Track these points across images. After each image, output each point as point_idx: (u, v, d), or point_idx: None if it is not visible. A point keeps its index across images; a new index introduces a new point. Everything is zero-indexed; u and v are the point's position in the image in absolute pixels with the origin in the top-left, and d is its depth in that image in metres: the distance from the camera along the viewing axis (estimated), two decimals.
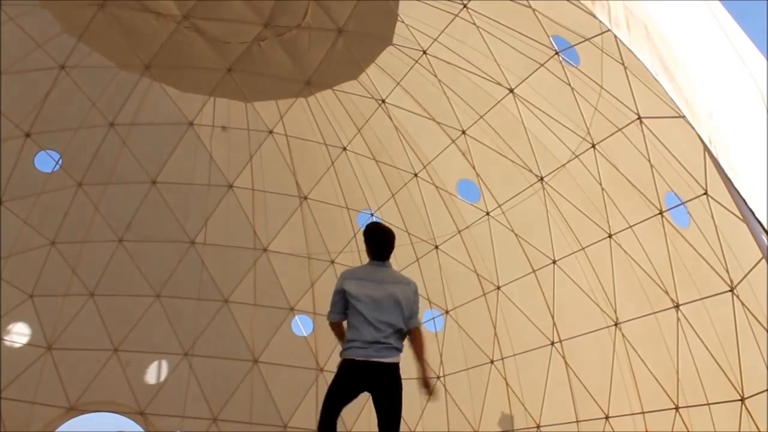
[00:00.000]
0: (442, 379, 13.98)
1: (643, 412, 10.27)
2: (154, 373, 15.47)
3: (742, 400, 8.53)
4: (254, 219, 15.31)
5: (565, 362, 11.71)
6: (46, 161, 13.97)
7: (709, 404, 9.09)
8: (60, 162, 14.09)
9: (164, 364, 15.49)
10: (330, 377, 15.99)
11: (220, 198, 15.06)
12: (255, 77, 13.25)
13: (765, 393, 8.08)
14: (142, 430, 15.45)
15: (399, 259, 14.53)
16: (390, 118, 13.27)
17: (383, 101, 13.11)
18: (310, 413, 14.74)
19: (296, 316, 15.75)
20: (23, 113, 12.91)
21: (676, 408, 9.66)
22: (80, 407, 14.82)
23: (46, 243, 14.36)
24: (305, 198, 14.97)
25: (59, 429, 14.87)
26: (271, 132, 14.38)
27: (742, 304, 8.37)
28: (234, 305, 15.41)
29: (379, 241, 5.46)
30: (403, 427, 14.28)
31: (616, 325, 10.78)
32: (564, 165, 11.15)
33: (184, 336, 15.23)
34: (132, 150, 14.16)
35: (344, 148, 14.19)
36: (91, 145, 13.89)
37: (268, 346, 15.34)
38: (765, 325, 7.97)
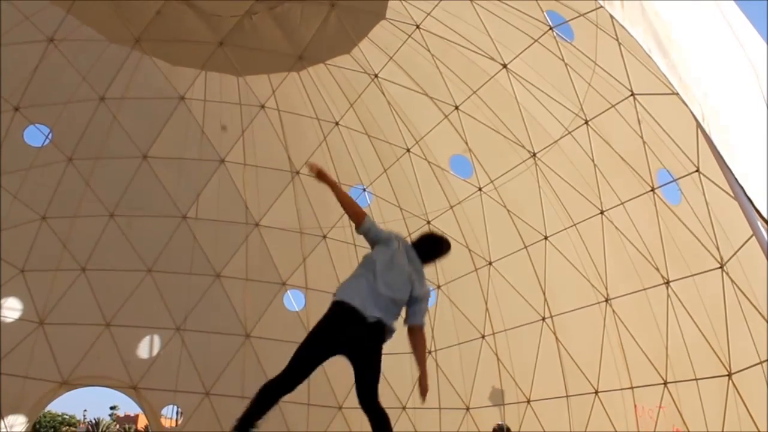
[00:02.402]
0: (433, 353, 14.08)
1: (632, 387, 10.38)
2: (146, 347, 15.52)
3: (729, 375, 8.63)
4: (246, 194, 15.29)
5: (556, 337, 11.81)
6: (35, 135, 13.90)
7: (696, 379, 9.20)
8: (50, 136, 13.99)
9: (156, 339, 15.55)
10: None
11: (212, 173, 15.02)
12: (247, 51, 13.14)
13: (752, 368, 8.16)
14: (134, 404, 15.56)
15: None
16: (383, 93, 13.20)
17: (376, 76, 13.03)
18: (302, 387, 14.81)
19: (288, 291, 15.80)
20: (11, 87, 12.77)
21: (665, 383, 9.77)
22: (73, 382, 14.88)
23: (36, 218, 14.32)
24: (297, 173, 14.94)
25: (52, 403, 14.95)
26: (263, 106, 14.30)
27: (732, 281, 8.43)
28: (226, 280, 15.44)
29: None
30: (394, 402, 14.56)
31: (606, 301, 10.85)
32: (557, 141, 11.14)
33: (176, 311, 15.26)
34: (123, 124, 14.08)
35: (337, 123, 14.14)
36: (81, 120, 13.79)
37: (260, 320, 15.42)
38: (753, 302, 8.04)
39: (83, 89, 13.39)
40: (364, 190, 14.90)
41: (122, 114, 13.95)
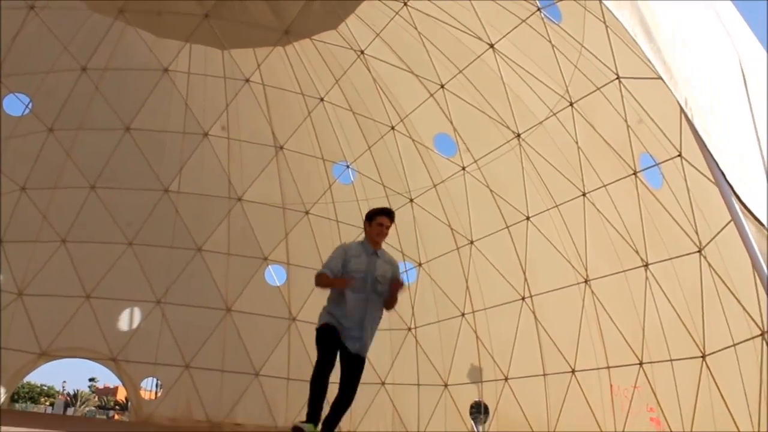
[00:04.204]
0: (413, 330, 14.20)
1: (608, 367, 10.54)
2: (126, 320, 15.50)
3: (703, 357, 8.78)
4: (229, 168, 15.22)
5: (535, 317, 11.93)
6: (15, 104, 13.69)
7: (671, 360, 9.35)
8: (30, 106, 13.81)
9: (136, 312, 15.52)
10: (302, 326, 16.03)
11: (195, 146, 14.93)
12: (232, 24, 12.99)
13: (725, 351, 8.32)
14: (114, 376, 15.56)
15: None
16: (368, 69, 13.15)
17: (362, 52, 12.97)
18: (282, 362, 14.94)
19: (270, 266, 15.82)
20: None
21: (640, 363, 9.93)
22: (52, 353, 14.84)
23: (16, 188, 14.18)
24: (281, 148, 14.89)
25: (31, 374, 14.89)
26: (247, 80, 14.20)
27: (709, 265, 8.54)
28: (207, 254, 15.41)
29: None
30: (374, 377, 14.66)
31: (586, 282, 10.97)
32: (541, 122, 11.17)
33: (157, 284, 15.24)
34: (105, 95, 13.92)
35: (321, 99, 14.08)
36: (63, 90, 13.62)
37: (241, 295, 15.42)
38: (729, 285, 8.17)
39: (64, 59, 13.20)
40: (348, 166, 14.89)
41: (104, 85, 13.79)
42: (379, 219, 5.86)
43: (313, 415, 5.46)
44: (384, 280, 5.72)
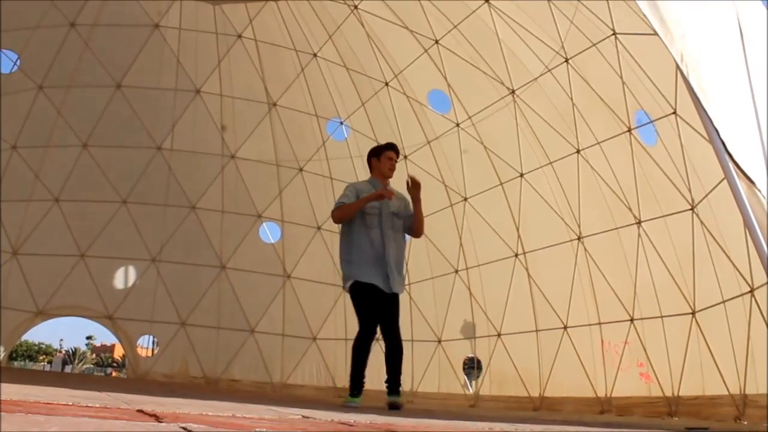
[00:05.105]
0: (407, 287, 14.26)
1: (599, 323, 10.64)
2: (122, 278, 15.56)
3: (693, 313, 8.87)
4: (222, 125, 15.11)
5: (528, 274, 12.00)
6: (3, 61, 13.52)
7: (662, 317, 9.44)
8: (18, 62, 13.62)
9: (132, 270, 15.57)
10: (296, 283, 16.10)
11: (188, 103, 14.80)
12: None
13: (714, 307, 8.40)
14: (110, 334, 15.70)
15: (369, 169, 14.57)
16: (362, 24, 12.96)
17: (356, 7, 12.77)
18: (276, 319, 15.06)
19: (264, 223, 15.83)
20: None
21: (631, 320, 10.03)
22: (48, 312, 14.93)
23: (6, 147, 14.08)
24: (274, 104, 14.77)
25: (28, 333, 15.01)
26: (239, 36, 14.01)
27: (701, 222, 8.57)
28: (201, 211, 15.42)
29: None
30: None
31: (579, 239, 11.01)
32: (536, 79, 11.07)
33: (151, 242, 15.27)
34: (95, 52, 13.74)
35: (314, 55, 13.91)
36: (52, 46, 13.43)
37: (235, 252, 15.46)
38: (720, 243, 8.21)
39: (52, 14, 12.98)
40: (342, 123, 14.80)
41: (94, 41, 13.60)
42: (387, 153, 6.07)
43: (355, 387, 5.56)
44: (400, 214, 5.81)
